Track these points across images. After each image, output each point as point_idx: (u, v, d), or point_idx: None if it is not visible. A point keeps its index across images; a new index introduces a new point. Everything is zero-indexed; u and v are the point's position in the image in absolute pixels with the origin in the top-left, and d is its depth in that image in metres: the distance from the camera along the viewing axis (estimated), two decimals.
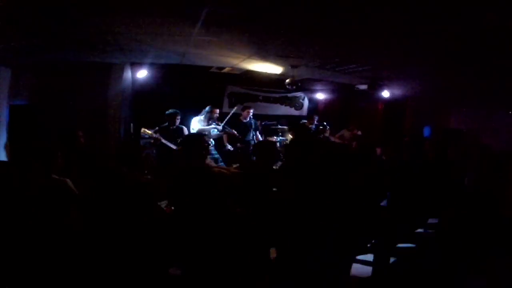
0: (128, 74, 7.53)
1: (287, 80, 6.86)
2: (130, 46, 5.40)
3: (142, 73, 7.58)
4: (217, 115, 7.70)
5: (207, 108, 7.51)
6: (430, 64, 5.55)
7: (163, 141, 6.69)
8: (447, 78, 6.64)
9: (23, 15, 3.79)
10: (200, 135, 5.34)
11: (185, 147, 4.27)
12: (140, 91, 8.40)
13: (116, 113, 7.17)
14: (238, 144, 8.19)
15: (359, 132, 9.99)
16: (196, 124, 7.59)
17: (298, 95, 11.76)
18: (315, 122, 9.80)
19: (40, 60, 6.15)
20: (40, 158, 3.38)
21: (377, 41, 4.44)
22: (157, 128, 7.10)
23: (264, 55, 5.53)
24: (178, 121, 7.09)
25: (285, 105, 11.71)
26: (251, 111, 8.41)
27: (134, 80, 7.87)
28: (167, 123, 7.04)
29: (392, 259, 4.51)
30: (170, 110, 7.09)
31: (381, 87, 8.16)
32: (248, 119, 8.40)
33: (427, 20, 3.43)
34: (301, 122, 10.24)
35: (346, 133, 10.10)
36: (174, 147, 6.67)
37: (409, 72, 6.53)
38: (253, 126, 8.50)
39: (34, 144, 3.75)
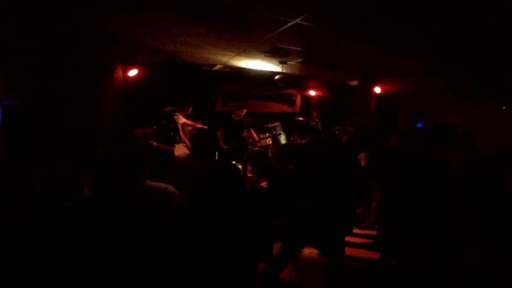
0: (119, 73, 7.58)
1: (277, 77, 6.93)
2: (121, 45, 5.46)
3: (134, 72, 7.64)
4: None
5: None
6: (424, 58, 5.52)
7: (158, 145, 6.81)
8: (442, 73, 6.60)
9: (17, 15, 3.85)
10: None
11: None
12: (133, 90, 8.42)
13: (109, 112, 7.22)
14: (232, 142, 8.24)
15: (352, 129, 10.01)
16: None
17: (290, 92, 11.79)
18: (316, 119, 9.81)
19: (33, 59, 6.20)
20: (31, 158, 3.44)
21: (369, 35, 4.43)
22: (154, 127, 7.17)
23: (252, 53, 5.60)
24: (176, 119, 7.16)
25: (278, 103, 11.73)
26: (245, 111, 8.46)
27: (126, 79, 7.90)
28: (164, 122, 7.14)
29: None
30: (168, 108, 7.20)
31: (373, 83, 8.19)
32: (240, 117, 8.44)
33: (422, 12, 3.43)
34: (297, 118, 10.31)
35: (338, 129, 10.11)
36: (171, 148, 6.77)
37: (402, 67, 6.51)
38: (245, 124, 8.53)
39: (25, 144, 3.78)
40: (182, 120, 7.70)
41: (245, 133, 8.36)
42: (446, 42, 4.43)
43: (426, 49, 4.87)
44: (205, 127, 8.11)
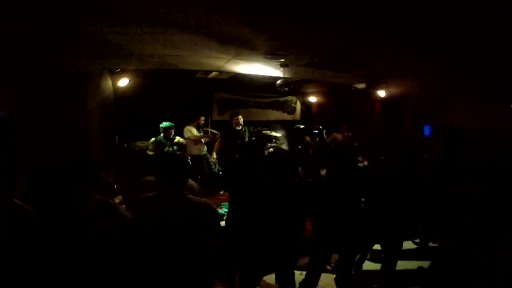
0: (108, 82, 7.03)
1: (279, 82, 6.37)
2: (103, 49, 4.91)
3: (124, 81, 7.16)
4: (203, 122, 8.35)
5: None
6: (430, 59, 5.27)
7: None
8: (448, 73, 6.36)
9: None
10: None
11: None
12: (124, 101, 7.90)
13: (97, 125, 6.63)
14: (236, 155, 7.74)
15: (350, 134, 9.82)
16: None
17: (289, 99, 11.39)
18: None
19: (12, 70, 5.70)
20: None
21: (374, 35, 4.07)
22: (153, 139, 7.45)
23: (250, 54, 5.05)
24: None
25: (277, 110, 11.33)
26: (240, 116, 8.04)
27: (115, 89, 7.37)
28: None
29: None
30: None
31: (379, 85, 7.78)
32: (240, 126, 8.01)
33: (428, 14, 3.22)
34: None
35: (337, 136, 9.88)
36: None
37: (408, 68, 6.16)
38: (247, 133, 8.09)
39: None
40: (188, 133, 8.03)
41: None
42: (452, 42, 4.22)
43: (432, 49, 4.61)
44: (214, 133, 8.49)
